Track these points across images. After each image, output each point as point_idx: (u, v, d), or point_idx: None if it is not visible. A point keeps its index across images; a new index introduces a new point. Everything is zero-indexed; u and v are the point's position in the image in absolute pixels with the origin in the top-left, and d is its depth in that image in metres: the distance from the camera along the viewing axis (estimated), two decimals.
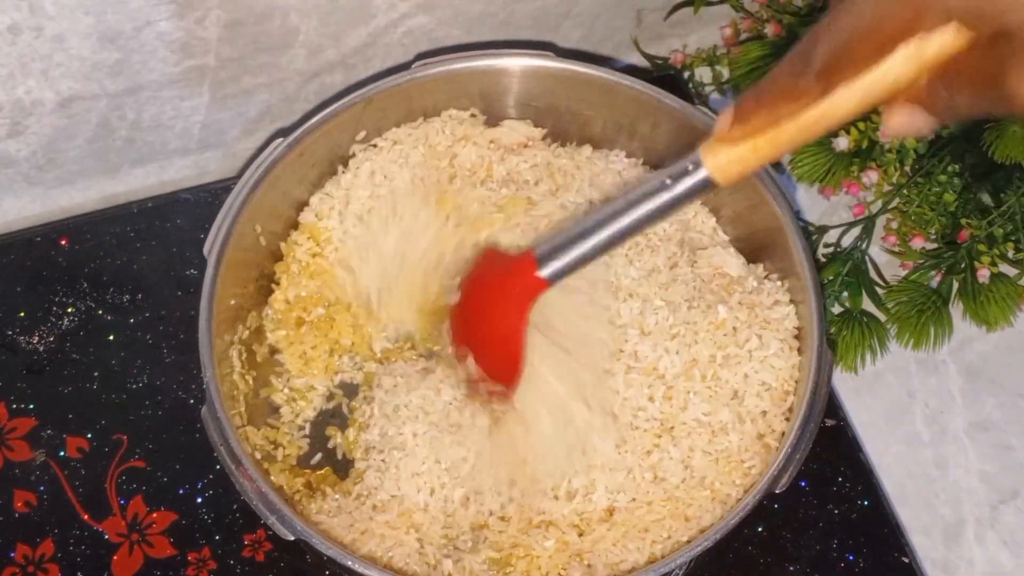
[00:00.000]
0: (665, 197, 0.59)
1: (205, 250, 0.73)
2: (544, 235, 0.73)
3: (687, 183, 0.58)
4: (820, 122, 0.52)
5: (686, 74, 0.99)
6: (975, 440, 0.85)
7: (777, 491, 0.68)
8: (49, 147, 0.86)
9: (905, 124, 0.51)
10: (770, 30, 0.91)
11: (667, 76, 0.98)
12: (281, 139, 0.77)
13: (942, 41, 0.47)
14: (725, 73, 0.97)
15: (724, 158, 0.56)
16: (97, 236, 0.88)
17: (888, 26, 0.48)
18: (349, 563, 0.65)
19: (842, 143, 0.86)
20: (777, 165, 0.91)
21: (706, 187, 0.57)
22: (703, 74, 0.99)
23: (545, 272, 0.63)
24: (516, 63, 0.82)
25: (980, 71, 0.47)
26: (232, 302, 0.76)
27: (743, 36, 0.96)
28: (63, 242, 0.88)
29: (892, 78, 0.49)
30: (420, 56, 0.88)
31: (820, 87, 0.51)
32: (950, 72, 0.48)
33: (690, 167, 0.57)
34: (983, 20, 0.46)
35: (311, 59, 0.87)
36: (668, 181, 0.58)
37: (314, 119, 0.78)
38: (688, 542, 0.69)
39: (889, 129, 0.52)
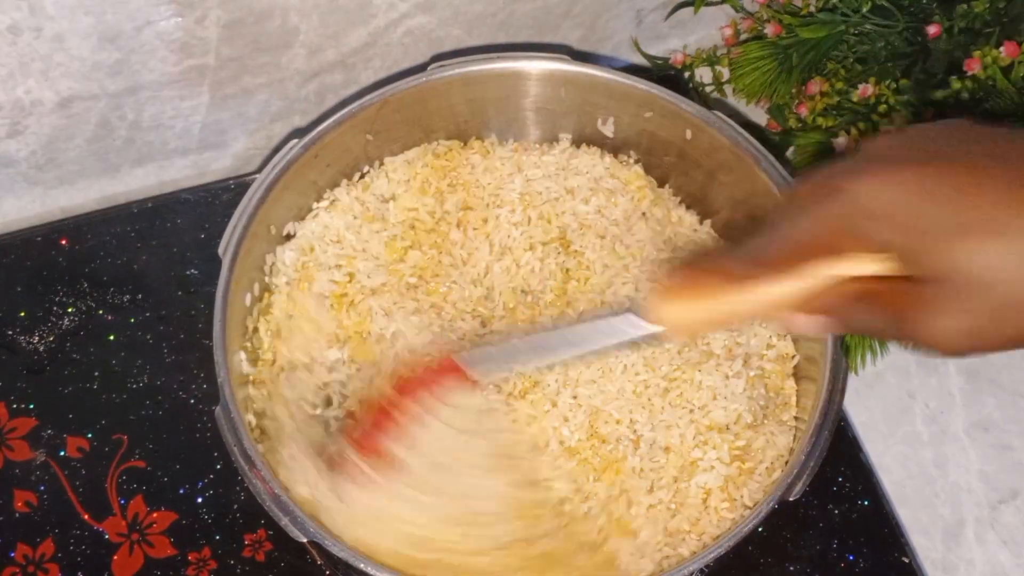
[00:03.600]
0: (605, 336, 0.59)
1: (220, 250, 0.73)
2: (475, 351, 0.70)
3: (633, 331, 0.58)
4: (750, 308, 0.54)
5: (686, 74, 0.99)
6: (975, 440, 0.85)
7: (791, 499, 0.68)
8: (49, 147, 0.86)
9: (808, 327, 0.54)
10: (770, 30, 0.91)
11: (667, 76, 0.98)
12: (296, 140, 0.77)
13: (872, 267, 0.50)
14: (725, 73, 0.97)
15: (672, 315, 0.56)
16: (97, 236, 0.88)
17: (825, 235, 0.50)
18: (361, 565, 0.65)
19: (842, 142, 0.86)
20: (780, 157, 0.91)
21: (649, 337, 0.58)
22: (703, 74, 0.99)
23: (474, 372, 0.65)
24: (531, 66, 0.82)
25: (889, 302, 0.50)
26: (246, 302, 0.76)
27: (743, 36, 0.96)
28: (63, 242, 0.88)
29: (815, 281, 0.52)
30: (436, 58, 0.88)
31: (754, 273, 0.53)
32: (863, 294, 0.51)
33: (638, 314, 0.57)
34: (911, 261, 0.48)
35: (311, 59, 0.87)
36: (612, 321, 0.59)
37: (329, 120, 0.78)
38: (696, 552, 0.69)
39: (794, 328, 0.57)
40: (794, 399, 0.77)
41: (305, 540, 0.66)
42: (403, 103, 0.81)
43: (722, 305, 0.54)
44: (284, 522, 0.66)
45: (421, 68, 0.82)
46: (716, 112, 0.79)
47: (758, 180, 0.77)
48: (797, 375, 0.78)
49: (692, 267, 0.56)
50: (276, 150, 0.81)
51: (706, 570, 0.68)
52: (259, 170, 0.78)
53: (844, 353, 0.73)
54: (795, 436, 0.74)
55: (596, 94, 0.82)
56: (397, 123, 0.82)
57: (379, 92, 0.79)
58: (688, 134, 0.80)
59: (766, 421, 0.74)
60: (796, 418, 0.76)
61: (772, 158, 0.77)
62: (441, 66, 0.81)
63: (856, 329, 0.54)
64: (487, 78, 0.82)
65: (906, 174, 0.47)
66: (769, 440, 0.74)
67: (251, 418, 0.72)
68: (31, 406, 0.81)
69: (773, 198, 0.76)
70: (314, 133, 0.78)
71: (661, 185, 0.85)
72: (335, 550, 0.65)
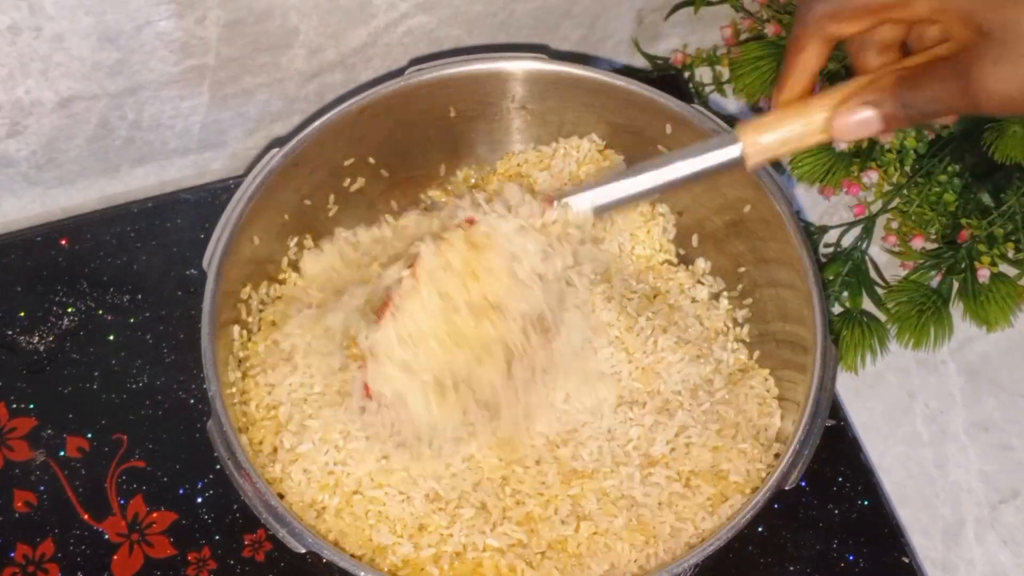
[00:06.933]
0: (697, 168, 0.61)
1: (204, 263, 0.74)
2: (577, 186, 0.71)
3: (719, 156, 0.60)
4: (826, 102, 0.56)
5: (686, 74, 0.99)
6: (975, 440, 0.85)
7: (787, 488, 0.68)
8: (49, 147, 0.86)
9: (858, 126, 0.54)
10: (770, 30, 0.91)
11: (667, 76, 0.98)
12: (276, 149, 0.77)
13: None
14: (725, 73, 0.97)
15: (754, 139, 0.59)
16: (97, 236, 0.88)
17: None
18: (361, 573, 0.65)
19: (842, 143, 0.86)
20: (777, 165, 0.91)
21: (735, 163, 0.60)
22: (703, 74, 0.99)
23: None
24: (510, 66, 0.82)
25: (950, 68, 0.50)
26: (232, 314, 0.76)
27: (743, 36, 0.96)
28: (63, 242, 0.88)
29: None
30: (414, 61, 0.88)
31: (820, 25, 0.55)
32: (917, 71, 0.52)
33: (724, 142, 0.60)
34: (969, 17, 0.49)
35: (311, 59, 0.87)
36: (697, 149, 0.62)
37: (308, 129, 0.78)
38: (693, 545, 0.69)
39: (839, 130, 0.55)
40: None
41: (304, 551, 0.66)
42: (382, 108, 0.80)
43: (800, 120, 0.56)
44: (282, 533, 0.66)
45: (400, 72, 0.82)
46: (695, 105, 0.80)
47: (739, 171, 0.77)
48: (788, 364, 0.78)
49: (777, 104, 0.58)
50: (261, 152, 0.80)
51: (702, 565, 0.68)
52: (246, 174, 0.78)
53: (835, 343, 0.73)
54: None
55: (575, 92, 0.83)
56: (378, 127, 0.81)
57: (357, 98, 0.79)
58: (668, 128, 0.80)
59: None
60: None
61: None
62: (419, 70, 0.81)
63: (910, 112, 0.53)
64: (466, 80, 0.82)
65: None
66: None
67: (245, 439, 0.72)
68: (31, 406, 0.81)
69: (755, 187, 0.77)
70: (294, 142, 0.78)
71: None
72: (334, 559, 0.65)
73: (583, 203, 0.66)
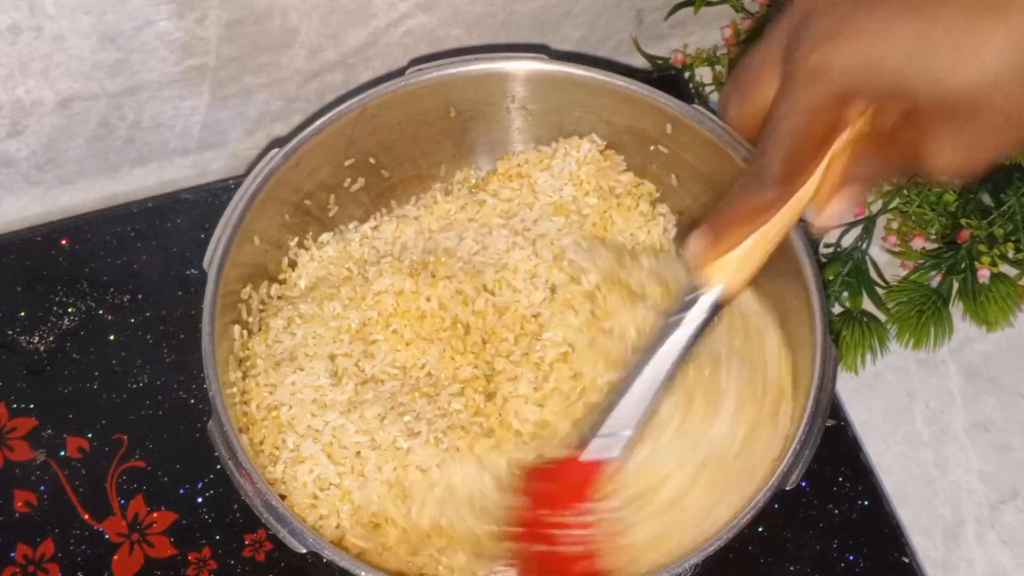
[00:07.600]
0: (686, 333, 0.63)
1: (205, 263, 0.74)
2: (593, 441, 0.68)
3: (704, 312, 0.62)
4: (792, 218, 0.57)
5: (686, 74, 0.99)
6: (975, 440, 0.85)
7: (787, 488, 0.68)
8: (49, 147, 0.86)
9: (839, 208, 0.55)
10: None
11: (667, 76, 0.98)
12: (276, 149, 0.77)
13: (862, 125, 0.52)
14: (725, 73, 0.97)
15: (727, 272, 0.60)
16: (97, 236, 0.88)
17: (824, 119, 0.51)
18: (362, 573, 0.65)
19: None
20: None
21: (720, 306, 0.61)
22: (703, 74, 0.99)
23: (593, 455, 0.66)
24: (510, 66, 0.82)
25: (897, 144, 0.51)
26: (232, 314, 0.77)
27: (743, 36, 0.96)
28: (63, 242, 0.88)
29: (835, 164, 0.54)
30: (414, 61, 0.88)
31: (785, 191, 0.55)
32: (867, 148, 0.53)
33: (697, 294, 0.62)
34: (897, 98, 0.49)
35: (311, 59, 0.87)
36: (682, 317, 0.63)
37: (308, 129, 0.78)
38: (695, 545, 0.69)
39: (828, 220, 0.56)
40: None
41: (304, 551, 0.66)
42: (382, 108, 0.80)
43: (763, 239, 0.58)
44: (282, 533, 0.66)
45: (400, 73, 0.82)
46: (695, 105, 0.80)
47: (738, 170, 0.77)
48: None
49: (721, 218, 0.58)
50: (261, 152, 0.80)
51: (702, 565, 0.68)
52: (246, 174, 0.78)
53: (834, 341, 0.73)
54: None
55: (576, 92, 0.82)
56: (378, 127, 0.81)
57: (357, 99, 0.79)
58: (668, 128, 0.80)
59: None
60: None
61: (753, 149, 0.77)
62: (419, 70, 0.81)
63: (876, 180, 0.56)
64: (466, 80, 0.82)
65: (869, 23, 0.48)
66: None
67: (245, 439, 0.72)
68: (31, 406, 0.81)
69: None
70: (294, 142, 0.78)
71: (641, 178, 0.85)
72: (335, 559, 0.65)
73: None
